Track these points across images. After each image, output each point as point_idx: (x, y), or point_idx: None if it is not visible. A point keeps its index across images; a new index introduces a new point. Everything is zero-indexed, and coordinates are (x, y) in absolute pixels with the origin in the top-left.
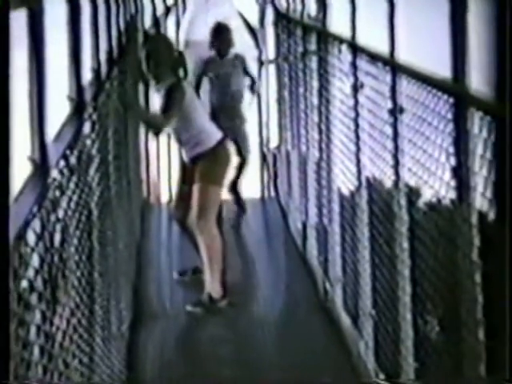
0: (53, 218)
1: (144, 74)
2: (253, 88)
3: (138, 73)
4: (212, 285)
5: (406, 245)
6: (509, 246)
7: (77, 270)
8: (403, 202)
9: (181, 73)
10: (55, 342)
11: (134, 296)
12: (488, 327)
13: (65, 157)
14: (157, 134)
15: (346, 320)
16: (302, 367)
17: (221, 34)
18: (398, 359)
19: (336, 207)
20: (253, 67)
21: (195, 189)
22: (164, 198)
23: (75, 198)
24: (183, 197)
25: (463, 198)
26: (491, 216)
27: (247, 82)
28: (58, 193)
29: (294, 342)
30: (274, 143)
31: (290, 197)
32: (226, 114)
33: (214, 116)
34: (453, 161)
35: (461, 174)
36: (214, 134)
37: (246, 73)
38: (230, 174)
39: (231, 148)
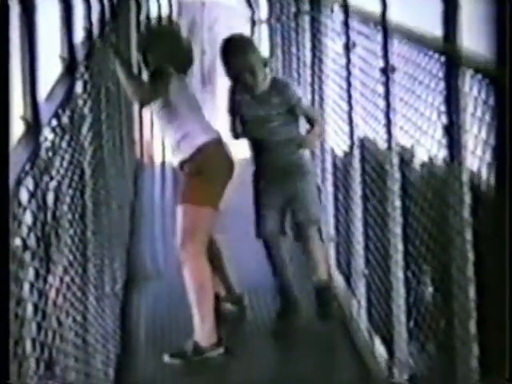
0: (45, 176)
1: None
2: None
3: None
4: (201, 330)
5: (398, 203)
6: (500, 203)
7: (70, 229)
8: (395, 160)
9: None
10: (48, 299)
11: (127, 256)
12: (478, 285)
13: (57, 116)
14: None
15: (339, 279)
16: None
17: (235, 57)
18: (390, 318)
19: (329, 167)
20: (302, 94)
21: (178, 210)
22: (157, 159)
23: (68, 156)
24: None
25: (454, 156)
26: (482, 174)
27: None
28: (50, 151)
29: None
30: None
31: None
32: (276, 174)
33: (259, 178)
34: (444, 119)
35: (452, 132)
36: (201, 135)
37: (293, 112)
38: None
39: (225, 152)
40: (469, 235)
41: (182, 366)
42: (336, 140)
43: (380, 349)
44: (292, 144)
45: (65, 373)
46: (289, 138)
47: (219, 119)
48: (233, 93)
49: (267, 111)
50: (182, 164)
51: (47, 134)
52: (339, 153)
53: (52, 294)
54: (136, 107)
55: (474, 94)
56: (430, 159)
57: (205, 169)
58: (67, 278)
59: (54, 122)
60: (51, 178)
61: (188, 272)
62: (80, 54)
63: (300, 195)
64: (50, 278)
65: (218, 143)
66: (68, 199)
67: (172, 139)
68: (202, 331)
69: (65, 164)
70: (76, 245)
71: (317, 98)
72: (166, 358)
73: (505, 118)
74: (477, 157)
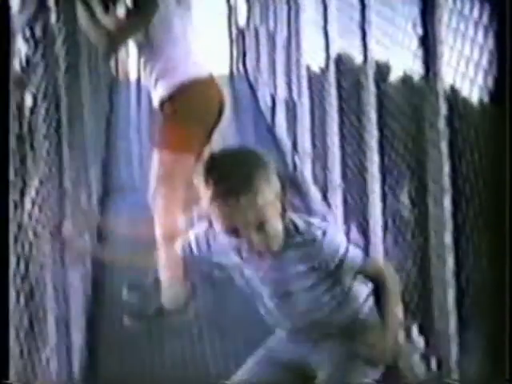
0: (20, 88)
1: None
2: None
3: None
4: (167, 289)
5: (373, 116)
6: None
7: (45, 141)
8: (371, 73)
9: None
10: (24, 211)
11: (103, 170)
12: (454, 195)
13: (30, 27)
14: (111, 50)
15: (315, 193)
16: None
17: (230, 205)
18: (366, 232)
19: (305, 81)
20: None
21: (154, 155)
22: (133, 77)
23: (41, 70)
24: None
25: (430, 68)
26: (458, 85)
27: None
28: (24, 63)
29: None
30: (242, 20)
31: (259, 72)
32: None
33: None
34: (419, 30)
35: (427, 43)
36: (183, 71)
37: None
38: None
39: (212, 92)
40: (444, 147)
41: (143, 330)
42: (312, 56)
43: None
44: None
45: (41, 287)
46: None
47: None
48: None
49: (290, 285)
50: (162, 104)
51: (20, 46)
52: (315, 68)
53: (28, 205)
54: None
55: (449, 4)
56: (406, 72)
57: (186, 110)
58: (43, 191)
59: (28, 33)
60: (25, 89)
61: (158, 224)
62: None
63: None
64: (26, 190)
65: (203, 81)
66: (43, 111)
67: (151, 76)
68: (169, 291)
69: (39, 76)
70: (51, 157)
71: (292, 13)
72: (126, 319)
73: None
74: (452, 67)
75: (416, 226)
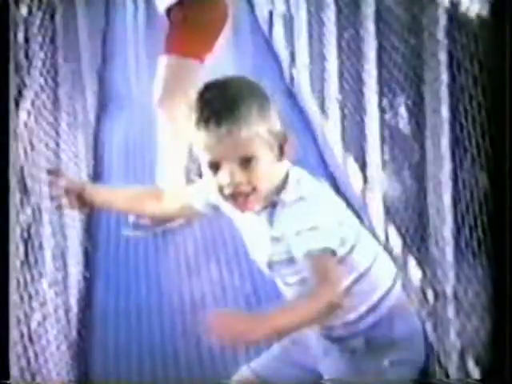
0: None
1: None
2: None
3: None
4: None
5: (372, 28)
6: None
7: (40, 52)
8: None
9: None
10: (19, 121)
11: (100, 84)
12: (451, 106)
13: None
14: None
15: (312, 105)
16: None
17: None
18: (364, 144)
19: None
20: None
21: (159, 61)
22: None
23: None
24: None
25: None
26: None
27: None
28: None
29: None
30: None
31: None
32: None
33: None
34: None
35: None
36: None
37: None
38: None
39: (220, 4)
40: (443, 57)
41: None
42: None
43: (353, 167)
44: None
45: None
46: None
47: None
48: None
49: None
50: (169, 10)
51: None
52: None
53: (23, 115)
54: None
55: None
56: None
57: (194, 16)
58: (38, 102)
59: None
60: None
61: (161, 130)
62: None
63: None
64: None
65: None
66: (38, 21)
67: None
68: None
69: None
70: (46, 68)
71: None
72: (125, 230)
73: None
74: None
75: (413, 138)
